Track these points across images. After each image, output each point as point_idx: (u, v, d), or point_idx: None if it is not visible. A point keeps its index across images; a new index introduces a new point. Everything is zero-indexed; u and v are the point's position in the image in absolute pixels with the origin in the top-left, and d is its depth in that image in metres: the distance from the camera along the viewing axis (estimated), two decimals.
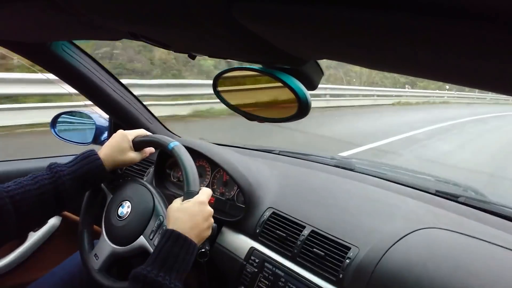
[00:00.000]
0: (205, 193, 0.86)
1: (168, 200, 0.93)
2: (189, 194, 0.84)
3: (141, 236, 0.89)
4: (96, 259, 0.93)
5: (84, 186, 0.90)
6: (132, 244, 0.89)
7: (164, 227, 0.87)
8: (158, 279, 0.69)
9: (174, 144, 0.93)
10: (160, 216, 0.90)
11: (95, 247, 0.96)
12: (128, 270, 0.76)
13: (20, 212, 0.78)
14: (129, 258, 0.94)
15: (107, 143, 0.95)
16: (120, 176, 1.05)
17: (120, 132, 0.97)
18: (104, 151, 0.93)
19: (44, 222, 0.87)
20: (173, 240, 0.74)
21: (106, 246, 0.92)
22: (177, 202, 0.83)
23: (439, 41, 0.24)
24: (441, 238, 0.80)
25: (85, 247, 0.98)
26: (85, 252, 0.97)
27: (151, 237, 0.87)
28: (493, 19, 0.20)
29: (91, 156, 0.90)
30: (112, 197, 1.00)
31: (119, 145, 0.95)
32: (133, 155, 0.97)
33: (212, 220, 0.84)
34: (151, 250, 0.85)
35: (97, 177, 0.91)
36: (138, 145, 0.98)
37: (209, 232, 0.84)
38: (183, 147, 0.92)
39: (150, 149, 1.02)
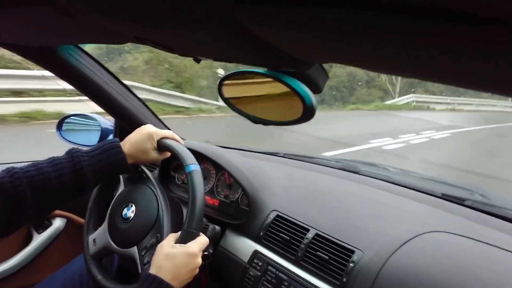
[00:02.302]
0: (200, 244, 0.82)
1: (171, 203, 0.93)
2: (187, 235, 0.81)
3: (135, 247, 0.89)
4: (94, 245, 0.96)
5: (105, 178, 0.88)
6: (125, 249, 0.90)
7: (147, 265, 0.85)
8: None
9: (194, 167, 0.88)
10: (158, 234, 0.89)
11: (96, 231, 0.98)
12: (129, 276, 0.76)
13: (37, 198, 0.76)
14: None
15: (131, 136, 0.91)
16: (139, 171, 1.04)
17: (147, 129, 0.92)
18: (128, 147, 0.89)
19: (59, 206, 0.86)
20: (148, 284, 0.73)
21: (105, 237, 0.94)
22: (168, 243, 0.80)
23: (451, 44, 0.24)
24: (446, 242, 0.80)
25: (89, 254, 0.98)
26: (90, 260, 0.97)
27: (142, 253, 0.87)
28: (495, 22, 0.20)
29: (115, 149, 0.87)
30: (120, 194, 1.00)
31: (143, 144, 0.90)
32: (156, 156, 0.93)
33: (197, 271, 0.82)
34: (138, 265, 0.86)
35: (118, 171, 0.90)
36: (162, 147, 0.93)
37: (191, 277, 0.81)
38: (201, 174, 0.88)
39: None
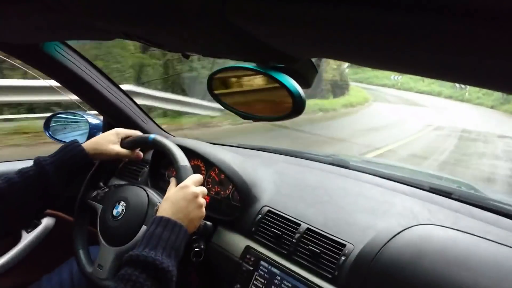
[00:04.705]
0: (191, 178, 0.86)
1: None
2: (181, 170, 0.87)
3: (143, 226, 0.89)
4: (101, 269, 0.90)
5: (67, 173, 0.91)
6: (135, 238, 0.89)
7: None
8: (150, 255, 0.70)
9: (153, 135, 0.98)
10: (158, 202, 0.91)
11: (97, 257, 0.93)
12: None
13: (7, 205, 0.82)
14: None
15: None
16: (109, 176, 1.06)
17: (115, 129, 1.01)
18: (89, 142, 0.96)
19: (35, 216, 0.91)
20: (156, 223, 0.76)
21: (108, 253, 0.90)
22: (170, 189, 0.86)
23: (436, 40, 0.25)
24: (435, 235, 0.81)
25: (84, 262, 0.98)
26: (86, 267, 0.97)
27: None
28: (491, 18, 0.20)
29: (73, 145, 0.94)
30: (106, 201, 0.99)
31: (105, 136, 0.98)
32: (119, 149, 0.99)
33: (201, 200, 0.84)
34: None
35: (79, 163, 0.93)
36: (125, 145, 1.01)
37: (201, 212, 0.84)
38: (162, 137, 0.98)
39: (140, 151, 1.06)
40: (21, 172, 0.86)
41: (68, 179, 0.92)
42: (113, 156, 0.99)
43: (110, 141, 0.98)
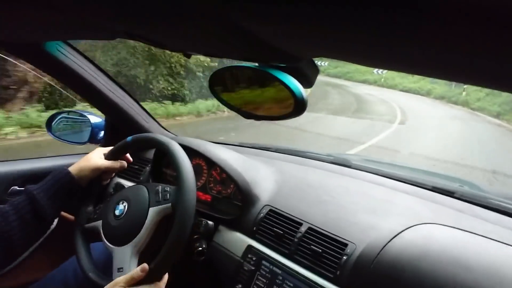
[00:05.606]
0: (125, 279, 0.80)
1: None
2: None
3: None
4: (122, 272, 0.87)
5: (58, 200, 0.94)
6: (138, 236, 0.88)
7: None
8: None
9: (132, 136, 1.01)
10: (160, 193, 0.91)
11: (114, 260, 0.90)
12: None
13: (2, 236, 0.84)
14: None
15: None
16: (103, 188, 1.06)
17: (97, 148, 1.05)
18: (74, 164, 0.99)
19: (32, 244, 0.97)
20: None
21: (124, 253, 0.88)
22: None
23: (438, 39, 0.25)
24: (437, 234, 0.81)
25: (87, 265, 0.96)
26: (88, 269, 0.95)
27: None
28: (490, 18, 0.20)
29: (59, 170, 0.97)
30: (105, 212, 0.98)
31: (88, 156, 1.01)
32: (102, 162, 1.01)
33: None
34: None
35: (67, 186, 0.96)
36: (108, 156, 1.03)
37: None
38: (140, 135, 1.01)
39: (127, 157, 1.08)
40: (13, 203, 0.89)
41: (59, 205, 0.95)
42: (98, 170, 1.00)
43: (93, 158, 1.01)
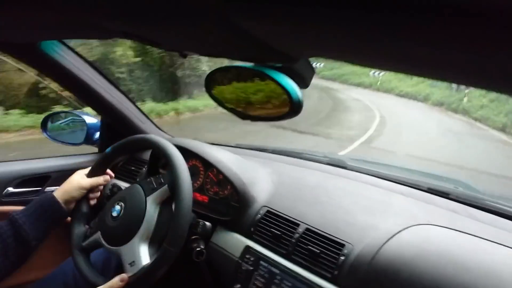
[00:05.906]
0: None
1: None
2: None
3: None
4: (134, 265, 0.86)
5: (41, 221, 0.94)
6: (135, 236, 0.88)
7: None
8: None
9: (110, 148, 1.02)
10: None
11: (124, 258, 0.88)
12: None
13: None
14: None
15: None
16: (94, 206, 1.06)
17: (77, 171, 1.05)
18: (58, 188, 1.00)
19: (17, 267, 0.95)
20: None
21: (135, 247, 0.88)
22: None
23: (435, 39, 0.25)
24: (433, 234, 0.81)
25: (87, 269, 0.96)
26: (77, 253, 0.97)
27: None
28: (492, 18, 0.20)
29: (44, 195, 0.98)
30: (104, 209, 0.98)
31: (69, 179, 1.02)
32: (85, 180, 1.02)
33: None
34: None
35: (51, 210, 0.96)
36: (90, 173, 1.03)
37: None
38: (114, 145, 1.02)
39: (108, 173, 1.08)
40: None
41: (43, 229, 0.95)
42: (83, 189, 1.00)
43: (75, 179, 1.01)
